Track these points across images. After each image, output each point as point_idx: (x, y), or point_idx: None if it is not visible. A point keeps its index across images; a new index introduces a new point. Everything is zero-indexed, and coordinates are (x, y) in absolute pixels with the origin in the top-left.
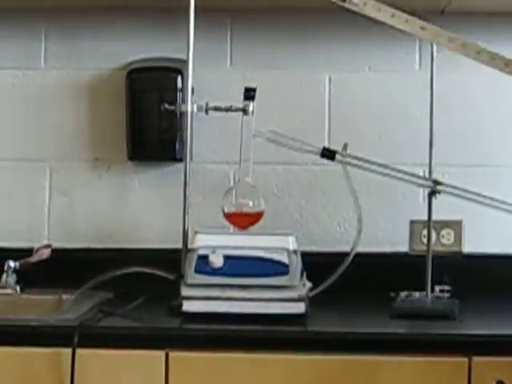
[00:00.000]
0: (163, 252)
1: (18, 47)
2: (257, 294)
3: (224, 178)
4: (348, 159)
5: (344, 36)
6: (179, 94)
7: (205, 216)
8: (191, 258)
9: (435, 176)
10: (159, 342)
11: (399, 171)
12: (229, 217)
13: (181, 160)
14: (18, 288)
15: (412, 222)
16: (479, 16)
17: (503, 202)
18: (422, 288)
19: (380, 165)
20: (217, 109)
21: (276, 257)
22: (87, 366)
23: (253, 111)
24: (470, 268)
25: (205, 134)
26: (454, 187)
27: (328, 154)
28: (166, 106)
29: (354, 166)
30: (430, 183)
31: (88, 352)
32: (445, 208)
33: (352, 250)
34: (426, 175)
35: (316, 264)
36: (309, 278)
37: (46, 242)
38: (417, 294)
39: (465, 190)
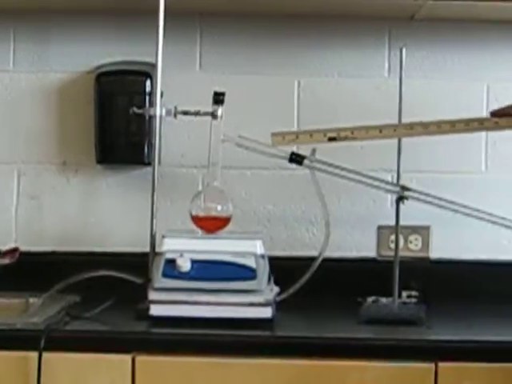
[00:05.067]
0: (131, 256)
1: None
2: (224, 299)
3: (192, 182)
4: (316, 164)
5: (314, 41)
6: (148, 98)
7: (173, 220)
8: (159, 262)
9: (403, 182)
10: (126, 346)
11: (367, 177)
12: (197, 221)
13: (149, 164)
14: None
15: (379, 228)
16: (449, 22)
17: (471, 209)
18: (390, 293)
19: (348, 170)
20: (185, 113)
21: (243, 261)
22: (54, 369)
23: (221, 115)
24: (437, 274)
25: (173, 138)
26: (422, 193)
27: (296, 158)
28: (135, 109)
29: (322, 171)
30: (397, 189)
31: (55, 356)
32: (413, 214)
33: (319, 254)
34: (394, 181)
35: (283, 269)
36: (276, 283)
37: (13, 245)
38: (384, 300)
39: (433, 196)
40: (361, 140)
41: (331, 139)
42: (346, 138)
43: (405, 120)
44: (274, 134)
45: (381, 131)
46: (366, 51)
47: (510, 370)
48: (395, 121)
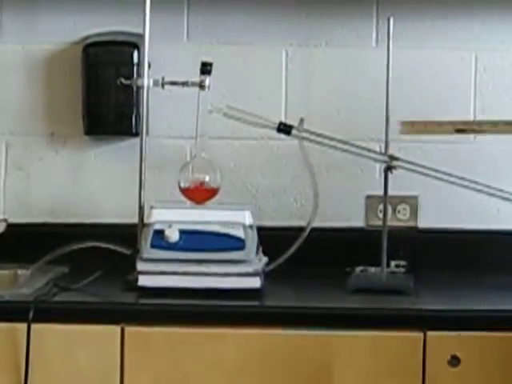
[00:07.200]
0: (119, 227)
1: None
2: (212, 269)
3: (180, 153)
4: (304, 134)
5: (302, 11)
6: (136, 69)
7: (161, 191)
8: (147, 233)
9: (391, 151)
10: (115, 317)
11: (355, 146)
12: (185, 192)
13: (137, 134)
14: None
15: (368, 197)
16: None
17: (458, 177)
18: (378, 263)
19: (336, 140)
20: (173, 83)
21: (232, 231)
22: (42, 340)
23: (209, 86)
24: (425, 243)
25: (161, 109)
26: (410, 162)
27: (284, 128)
28: (123, 80)
29: (310, 140)
30: (385, 158)
31: (43, 327)
32: (401, 183)
33: (308, 224)
34: (382, 150)
35: (272, 239)
36: (265, 253)
37: (1, 216)
38: (372, 269)
39: (420, 166)
40: (489, 134)
41: (459, 131)
42: (473, 131)
43: (393, 89)
44: (403, 123)
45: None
46: (353, 21)
47: (497, 339)
48: (383, 91)
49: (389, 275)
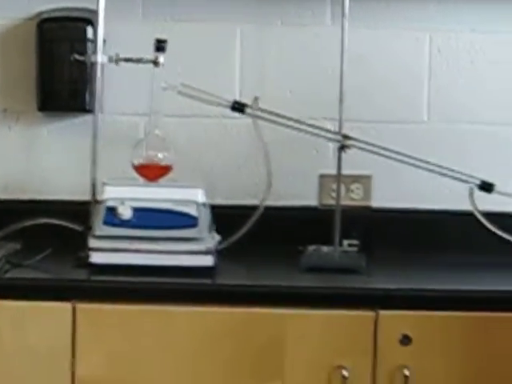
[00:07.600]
0: (72, 204)
1: None
2: (165, 247)
3: (134, 130)
4: (258, 113)
5: None
6: (90, 45)
7: (114, 168)
8: (99, 210)
9: (345, 131)
10: (66, 294)
11: (309, 125)
12: (138, 169)
13: (91, 111)
14: None
15: (321, 176)
16: None
17: (411, 157)
18: (331, 242)
19: (290, 119)
20: (127, 60)
21: (185, 209)
22: None
23: (163, 63)
24: (378, 223)
25: (115, 86)
26: (364, 142)
27: (238, 107)
28: (76, 56)
29: (264, 119)
30: (339, 137)
31: None
32: (354, 162)
33: (261, 203)
34: (336, 129)
35: (225, 217)
36: (218, 231)
37: None
38: (325, 248)
39: (374, 145)
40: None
41: None
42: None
43: (347, 68)
44: None
45: None
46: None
47: (448, 319)
48: (337, 69)
49: (341, 254)
